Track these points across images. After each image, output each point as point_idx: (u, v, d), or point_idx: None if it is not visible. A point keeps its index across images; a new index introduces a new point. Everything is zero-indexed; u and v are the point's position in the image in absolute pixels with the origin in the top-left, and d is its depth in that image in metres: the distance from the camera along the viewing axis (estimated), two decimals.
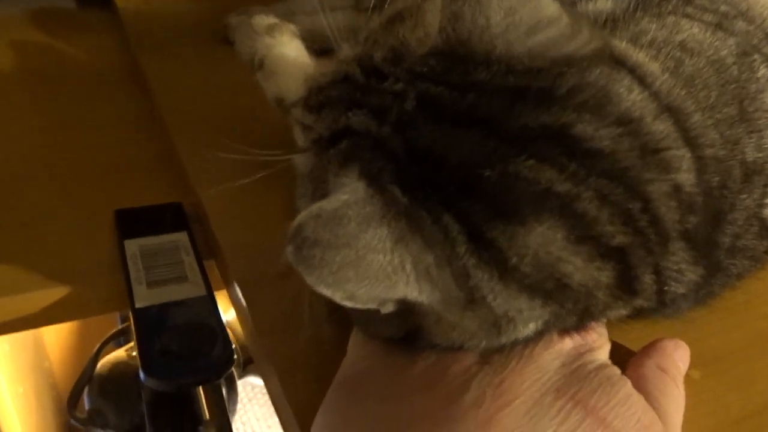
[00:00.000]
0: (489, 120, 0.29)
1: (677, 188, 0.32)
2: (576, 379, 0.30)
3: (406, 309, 0.30)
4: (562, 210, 0.28)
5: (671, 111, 0.34)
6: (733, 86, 0.41)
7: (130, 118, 0.63)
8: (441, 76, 0.31)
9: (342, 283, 0.26)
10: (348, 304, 0.28)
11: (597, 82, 0.31)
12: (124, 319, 0.67)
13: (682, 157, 0.32)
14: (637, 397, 0.31)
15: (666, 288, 0.33)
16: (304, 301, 0.41)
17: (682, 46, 0.41)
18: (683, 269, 0.33)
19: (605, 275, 0.30)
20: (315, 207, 0.27)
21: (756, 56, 0.44)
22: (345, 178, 0.29)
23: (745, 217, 0.38)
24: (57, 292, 0.44)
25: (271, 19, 0.52)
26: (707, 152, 0.35)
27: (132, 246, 0.48)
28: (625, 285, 0.31)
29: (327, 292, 0.27)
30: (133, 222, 0.50)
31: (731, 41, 0.44)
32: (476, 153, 0.29)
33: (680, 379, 0.34)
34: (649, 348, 0.35)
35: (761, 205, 0.39)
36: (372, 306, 0.29)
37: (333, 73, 0.35)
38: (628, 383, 0.31)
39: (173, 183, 0.55)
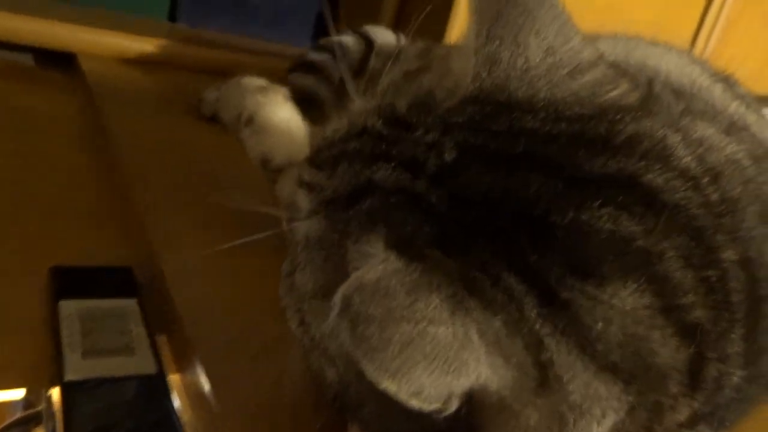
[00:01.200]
0: (549, 166, 0.25)
1: (742, 262, 0.28)
2: None
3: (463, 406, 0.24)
4: (647, 270, 0.24)
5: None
6: (752, 186, 0.39)
7: (81, 173, 0.56)
8: (482, 124, 0.27)
9: (409, 368, 0.21)
10: (414, 402, 0.22)
11: (655, 133, 0.28)
12: (28, 405, 0.54)
13: (735, 229, 0.29)
14: None
15: (725, 384, 0.28)
16: (285, 387, 0.33)
17: (701, 141, 0.39)
18: (737, 365, 0.29)
19: (681, 359, 0.25)
20: (353, 278, 0.23)
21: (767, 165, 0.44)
22: (368, 246, 0.24)
23: None
24: None
25: (262, 81, 0.49)
26: (742, 246, 0.32)
27: (68, 307, 0.39)
28: (694, 375, 0.26)
29: (392, 385, 0.21)
30: (73, 282, 0.42)
31: (742, 146, 0.43)
32: (539, 199, 0.24)
33: None
34: None
35: None
36: (437, 405, 0.23)
37: (347, 127, 0.30)
38: None
39: (121, 244, 0.48)
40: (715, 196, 0.29)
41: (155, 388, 0.35)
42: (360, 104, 0.30)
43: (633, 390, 0.24)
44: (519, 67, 0.28)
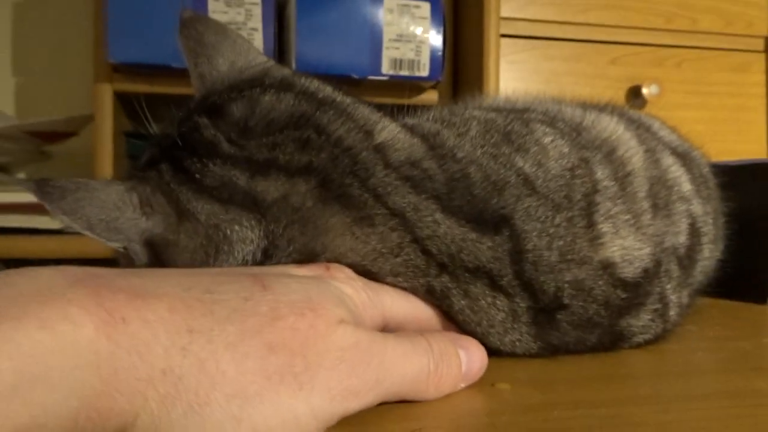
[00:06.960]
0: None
1: None
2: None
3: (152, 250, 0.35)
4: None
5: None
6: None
7: None
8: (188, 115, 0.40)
9: (78, 210, 0.32)
10: (90, 233, 0.32)
11: None
12: None
13: None
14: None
15: None
16: None
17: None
18: None
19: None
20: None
21: (531, 114, 0.47)
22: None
23: None
24: None
25: None
26: None
27: None
28: None
29: (67, 219, 0.32)
30: None
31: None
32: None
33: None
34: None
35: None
36: (117, 243, 0.34)
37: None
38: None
39: None
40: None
41: None
42: None
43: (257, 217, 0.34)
44: (214, 76, 0.41)
